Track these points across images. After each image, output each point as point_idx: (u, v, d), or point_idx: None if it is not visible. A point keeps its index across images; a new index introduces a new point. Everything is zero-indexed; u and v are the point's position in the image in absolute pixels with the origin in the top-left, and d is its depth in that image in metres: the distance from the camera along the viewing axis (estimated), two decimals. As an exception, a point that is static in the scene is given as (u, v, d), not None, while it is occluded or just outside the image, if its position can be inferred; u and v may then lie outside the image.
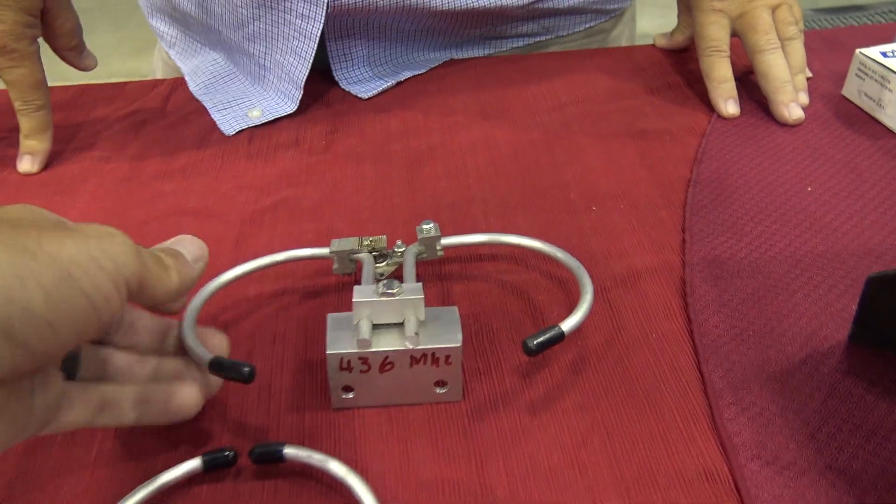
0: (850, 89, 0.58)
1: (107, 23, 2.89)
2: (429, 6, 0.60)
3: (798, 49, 0.59)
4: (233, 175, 0.53)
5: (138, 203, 0.51)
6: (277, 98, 0.61)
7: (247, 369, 0.33)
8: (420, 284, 0.35)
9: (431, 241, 0.41)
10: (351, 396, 0.36)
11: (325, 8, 0.57)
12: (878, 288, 0.35)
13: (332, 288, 0.43)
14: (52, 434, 0.35)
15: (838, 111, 0.57)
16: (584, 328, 0.40)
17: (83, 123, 0.60)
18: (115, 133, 0.59)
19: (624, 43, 0.77)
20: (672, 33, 0.66)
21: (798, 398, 0.36)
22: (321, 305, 0.42)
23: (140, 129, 0.59)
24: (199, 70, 0.66)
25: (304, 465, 0.33)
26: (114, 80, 0.67)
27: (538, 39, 0.69)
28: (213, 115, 0.60)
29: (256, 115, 0.60)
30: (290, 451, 0.33)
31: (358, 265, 0.42)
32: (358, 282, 0.42)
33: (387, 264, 0.41)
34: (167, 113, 0.61)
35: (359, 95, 0.62)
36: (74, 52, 0.59)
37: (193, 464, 0.33)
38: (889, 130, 0.55)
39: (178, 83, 0.65)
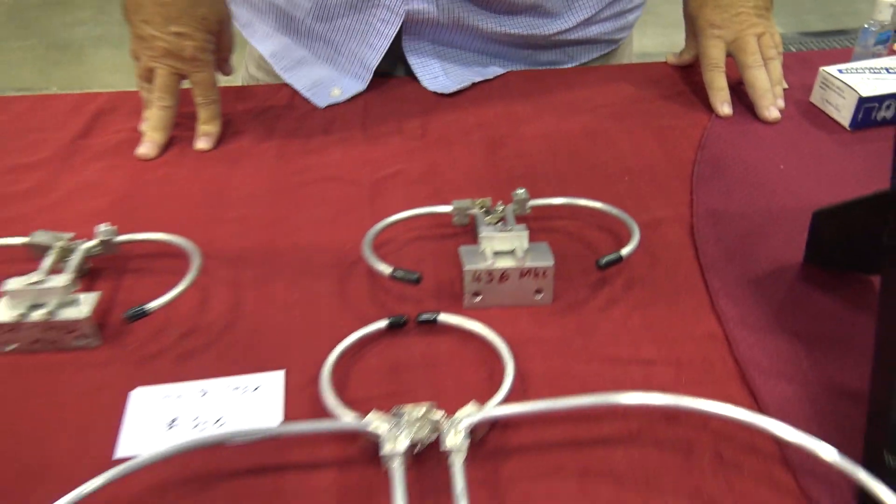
0: (816, 97, 0.77)
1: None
2: (477, 26, 0.79)
3: (777, 66, 0.78)
4: (356, 154, 0.72)
5: (290, 173, 0.69)
6: (350, 79, 0.80)
7: (416, 276, 0.51)
8: (524, 225, 0.54)
9: (523, 202, 0.60)
10: (478, 300, 0.54)
11: (401, 17, 0.76)
12: (820, 219, 0.54)
13: (449, 235, 0.61)
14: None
15: (806, 113, 0.76)
16: (638, 261, 0.58)
17: (230, 116, 0.78)
18: (260, 123, 0.77)
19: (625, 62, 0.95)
20: (681, 53, 0.85)
21: (768, 292, 0.54)
22: (445, 244, 0.60)
23: (278, 120, 0.77)
24: (278, 55, 0.84)
25: (452, 326, 0.51)
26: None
27: (563, 67, 0.88)
28: (304, 95, 0.79)
29: (337, 94, 0.79)
30: (442, 316, 0.51)
31: (470, 218, 0.60)
32: (469, 232, 0.60)
33: (491, 217, 0.58)
34: (295, 107, 0.80)
35: (443, 92, 0.80)
36: (225, 63, 0.78)
37: (381, 324, 0.51)
38: (843, 127, 0.74)
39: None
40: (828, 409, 0.45)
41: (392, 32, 0.77)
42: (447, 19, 0.78)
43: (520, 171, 0.68)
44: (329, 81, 0.80)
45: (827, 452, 0.40)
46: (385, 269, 0.53)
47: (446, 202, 0.62)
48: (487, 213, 0.59)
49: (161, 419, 0.46)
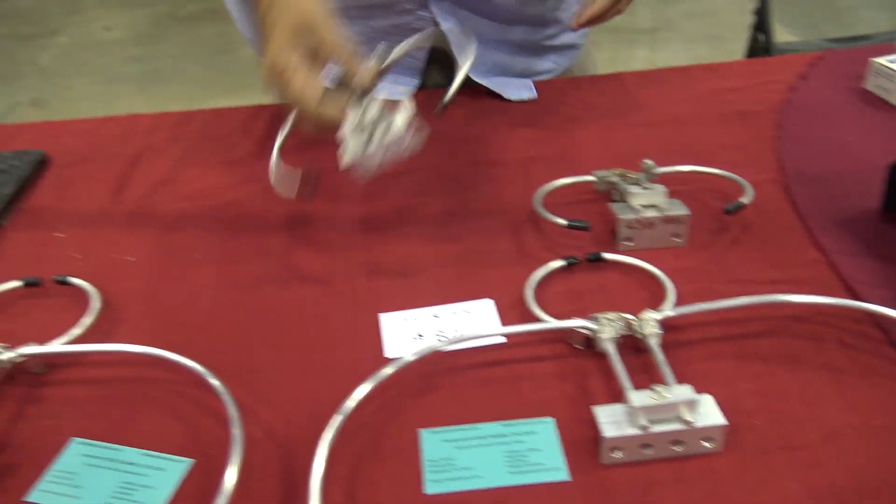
0: (870, 83, 0.92)
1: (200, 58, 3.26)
2: (487, 34, 0.94)
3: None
4: (495, 142, 0.87)
5: (453, 160, 0.84)
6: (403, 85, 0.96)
7: (587, 224, 0.67)
8: (662, 185, 0.68)
9: (650, 168, 0.74)
10: (630, 244, 0.68)
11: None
12: (896, 171, 0.69)
13: (588, 199, 0.76)
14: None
15: (864, 98, 0.91)
16: (747, 211, 0.72)
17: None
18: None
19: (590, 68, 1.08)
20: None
21: (856, 230, 0.68)
22: (588, 206, 0.75)
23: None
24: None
25: (615, 262, 0.66)
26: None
27: (553, 76, 1.02)
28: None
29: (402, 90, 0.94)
30: (606, 255, 0.66)
31: (609, 185, 0.75)
32: (605, 197, 0.74)
33: (629, 182, 0.73)
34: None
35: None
36: None
37: (560, 262, 0.66)
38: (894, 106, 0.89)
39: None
40: (919, 305, 0.60)
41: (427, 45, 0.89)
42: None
43: (632, 150, 0.83)
44: (391, 88, 0.95)
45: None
46: (561, 220, 0.68)
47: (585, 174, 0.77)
48: (624, 179, 0.74)
49: (409, 333, 0.61)
